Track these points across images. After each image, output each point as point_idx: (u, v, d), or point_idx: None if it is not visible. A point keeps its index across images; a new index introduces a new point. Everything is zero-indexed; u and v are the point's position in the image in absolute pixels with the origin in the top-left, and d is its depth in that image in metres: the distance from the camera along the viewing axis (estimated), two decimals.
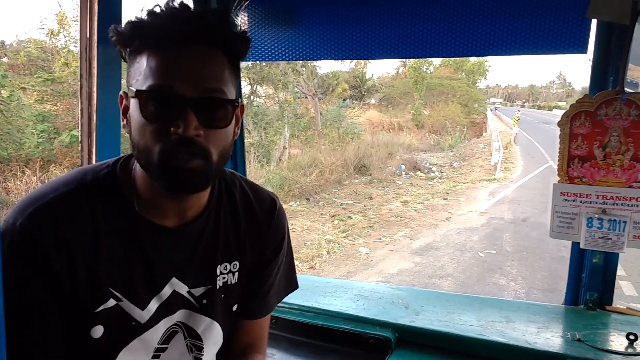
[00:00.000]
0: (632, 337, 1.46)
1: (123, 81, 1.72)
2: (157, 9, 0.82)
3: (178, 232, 0.95)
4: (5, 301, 0.77)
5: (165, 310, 0.95)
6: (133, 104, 0.84)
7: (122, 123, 0.90)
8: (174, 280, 0.95)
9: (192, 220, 0.96)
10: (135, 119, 0.84)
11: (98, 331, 0.88)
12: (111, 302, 0.89)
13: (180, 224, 0.95)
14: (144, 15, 0.82)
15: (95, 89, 1.48)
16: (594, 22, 1.56)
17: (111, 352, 0.90)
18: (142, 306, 0.92)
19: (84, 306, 0.87)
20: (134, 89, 0.83)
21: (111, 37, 0.86)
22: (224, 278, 1.02)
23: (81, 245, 0.85)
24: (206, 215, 0.98)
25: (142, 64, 0.82)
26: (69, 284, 0.85)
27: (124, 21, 1.52)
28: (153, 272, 0.92)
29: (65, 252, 0.83)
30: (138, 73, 0.83)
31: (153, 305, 0.93)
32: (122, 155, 0.98)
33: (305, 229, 10.36)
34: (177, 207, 0.93)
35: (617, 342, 1.48)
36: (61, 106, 12.15)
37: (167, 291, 0.95)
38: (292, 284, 1.19)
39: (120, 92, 0.90)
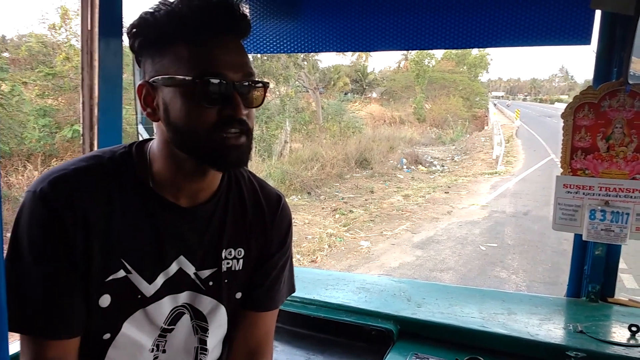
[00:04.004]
0: (634, 328, 1.47)
1: (125, 75, 1.72)
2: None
3: (190, 212, 0.99)
4: (28, 267, 0.84)
5: (170, 286, 0.98)
6: (171, 92, 0.88)
7: (145, 112, 0.95)
8: (182, 258, 0.99)
9: (203, 202, 1.01)
10: (179, 104, 0.88)
11: (106, 300, 0.92)
12: (121, 273, 0.92)
13: (192, 204, 0.99)
14: (177, 5, 0.87)
15: (96, 82, 1.48)
16: (597, 12, 1.55)
17: (116, 322, 0.94)
18: (150, 280, 0.96)
19: (95, 274, 0.90)
20: (180, 77, 0.87)
21: (138, 26, 0.90)
22: (228, 263, 1.05)
23: (96, 215, 0.90)
24: (216, 199, 1.03)
25: (182, 53, 0.87)
26: (83, 250, 0.89)
27: (125, 13, 1.54)
28: (163, 248, 0.96)
29: (80, 219, 0.88)
30: (177, 62, 0.87)
31: (160, 280, 0.97)
32: (137, 140, 1.03)
33: (306, 223, 10.36)
34: (192, 188, 0.98)
35: (619, 333, 1.48)
36: (62, 101, 12.13)
37: (173, 268, 0.98)
38: (291, 288, 1.22)
39: (140, 82, 0.94)
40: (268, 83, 0.96)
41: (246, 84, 0.90)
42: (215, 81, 0.86)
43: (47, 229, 0.87)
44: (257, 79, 0.93)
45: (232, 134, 0.89)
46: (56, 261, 0.87)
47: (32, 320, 0.87)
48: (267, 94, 0.98)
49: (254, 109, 0.94)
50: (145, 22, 0.89)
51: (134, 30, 0.91)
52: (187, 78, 0.86)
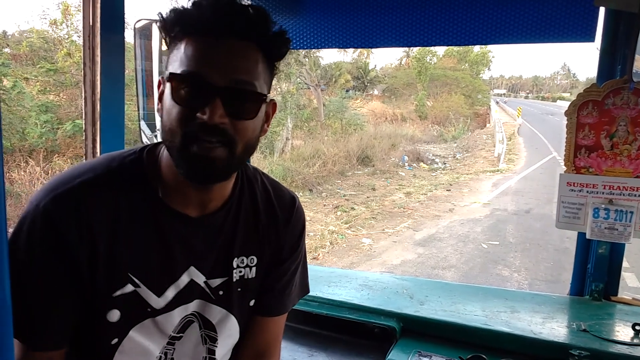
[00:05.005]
0: (638, 327, 1.46)
1: (127, 71, 1.72)
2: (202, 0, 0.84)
3: (200, 221, 0.95)
4: (21, 279, 0.81)
5: (181, 298, 0.96)
6: (167, 87, 0.86)
7: (157, 107, 0.92)
8: (192, 269, 0.96)
9: (214, 212, 0.97)
10: (166, 101, 0.86)
11: (114, 315, 0.89)
12: (129, 288, 0.90)
13: (202, 214, 0.96)
14: (188, 4, 0.84)
15: (99, 78, 1.47)
16: (601, 10, 1.54)
17: (123, 331, 0.92)
18: (159, 293, 0.93)
19: (102, 290, 0.88)
20: (171, 72, 0.84)
21: (156, 23, 0.89)
22: (240, 272, 1.03)
23: (103, 230, 0.87)
24: (227, 207, 0.99)
25: (180, 50, 0.84)
26: (88, 267, 0.86)
27: (127, 8, 1.53)
28: (172, 260, 0.93)
29: (86, 236, 0.85)
30: (176, 59, 0.85)
31: (170, 293, 0.94)
32: (149, 143, 0.99)
33: (308, 220, 10.27)
34: (200, 197, 0.94)
35: (623, 332, 1.48)
36: (64, 96, 12.15)
37: (184, 279, 0.96)
38: (305, 289, 1.20)
39: (159, 78, 0.92)
40: (264, 95, 0.87)
41: (232, 90, 0.82)
42: (195, 81, 0.82)
43: (47, 247, 0.84)
44: (251, 89, 0.85)
45: (206, 142, 0.82)
46: (53, 278, 0.85)
47: (19, 328, 0.83)
48: (264, 108, 0.89)
49: (247, 121, 0.86)
50: (164, 19, 0.87)
51: (161, 25, 0.88)
52: (173, 73, 0.83)
